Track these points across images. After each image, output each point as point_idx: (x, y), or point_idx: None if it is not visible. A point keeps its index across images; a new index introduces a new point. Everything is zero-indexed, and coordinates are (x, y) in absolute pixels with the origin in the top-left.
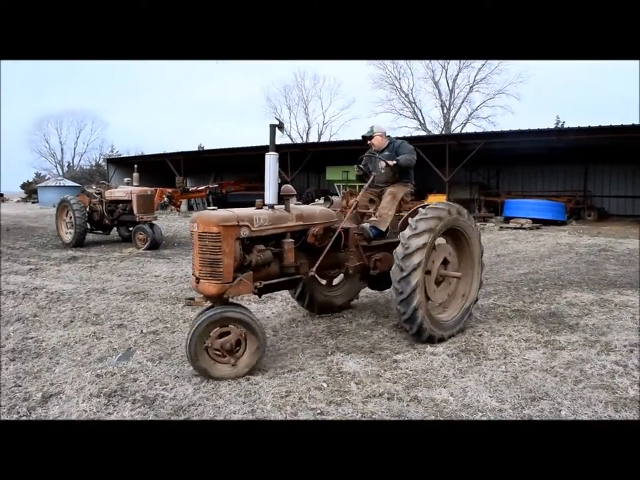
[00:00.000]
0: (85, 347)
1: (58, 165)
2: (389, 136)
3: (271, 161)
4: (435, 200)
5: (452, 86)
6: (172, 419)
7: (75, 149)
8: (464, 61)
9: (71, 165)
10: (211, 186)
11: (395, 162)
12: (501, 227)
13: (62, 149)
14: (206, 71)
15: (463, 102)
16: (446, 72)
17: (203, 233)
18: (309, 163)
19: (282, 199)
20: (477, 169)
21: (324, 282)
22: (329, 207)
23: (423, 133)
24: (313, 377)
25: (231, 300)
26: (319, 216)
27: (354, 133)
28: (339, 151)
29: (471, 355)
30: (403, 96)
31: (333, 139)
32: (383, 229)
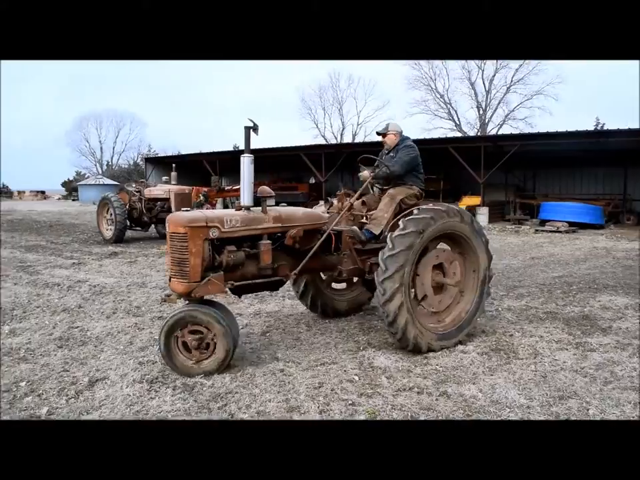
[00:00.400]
0: (127, 336)
1: (97, 164)
2: (404, 135)
3: (246, 163)
4: (470, 202)
5: (488, 87)
6: (210, 406)
7: (113, 148)
8: (501, 61)
9: (110, 163)
10: None
11: (383, 170)
12: (536, 230)
13: (101, 148)
14: (242, 71)
15: (499, 103)
16: (482, 72)
17: (172, 233)
18: (343, 164)
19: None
20: (512, 171)
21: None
22: (328, 209)
23: (458, 134)
24: (345, 370)
25: (210, 298)
26: (301, 218)
27: None
28: (373, 152)
29: (501, 354)
30: (439, 97)
31: (367, 140)
32: (377, 232)
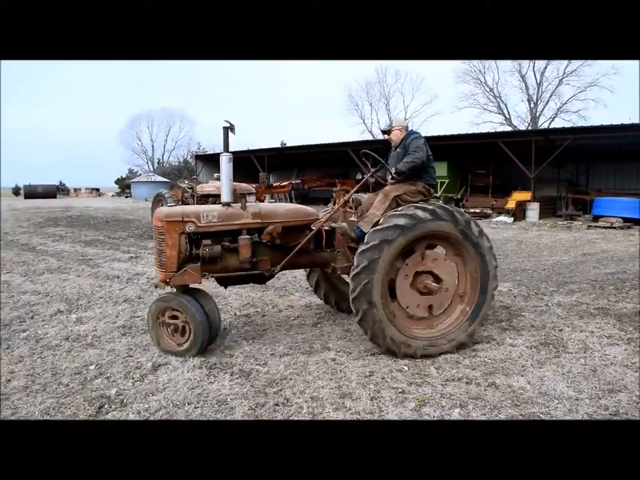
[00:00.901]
0: None
1: (149, 162)
2: (410, 130)
3: (224, 162)
4: (520, 197)
5: (540, 79)
6: (266, 390)
7: (164, 146)
8: None
9: (161, 161)
10: (293, 181)
11: (395, 170)
12: (589, 226)
13: (153, 146)
14: (290, 67)
15: (551, 95)
16: (533, 65)
17: (155, 226)
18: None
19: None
20: (565, 166)
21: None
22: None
23: (508, 128)
24: (394, 360)
25: (195, 286)
26: (282, 214)
27: (436, 129)
28: None
29: (550, 347)
30: (488, 90)
31: None
32: (366, 230)
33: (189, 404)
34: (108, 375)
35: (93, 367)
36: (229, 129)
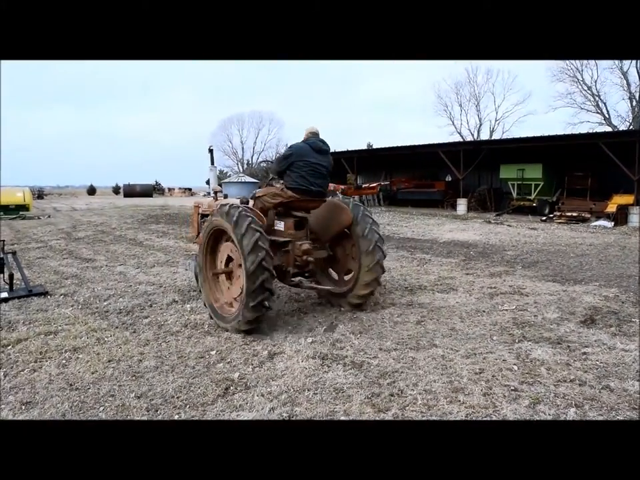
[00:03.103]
0: (293, 318)
1: (239, 163)
2: (296, 143)
3: (212, 174)
4: (621, 201)
5: None
6: (379, 381)
7: (253, 147)
8: None
9: (250, 162)
10: (382, 183)
11: (263, 165)
12: None
13: (242, 148)
14: (374, 68)
15: None
16: (637, 62)
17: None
18: (482, 161)
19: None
20: None
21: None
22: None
23: (608, 129)
24: (503, 360)
25: None
26: (210, 206)
27: (529, 130)
28: (513, 149)
29: None
30: (586, 89)
31: (505, 136)
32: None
33: (308, 390)
34: (229, 360)
35: (214, 352)
36: (212, 150)
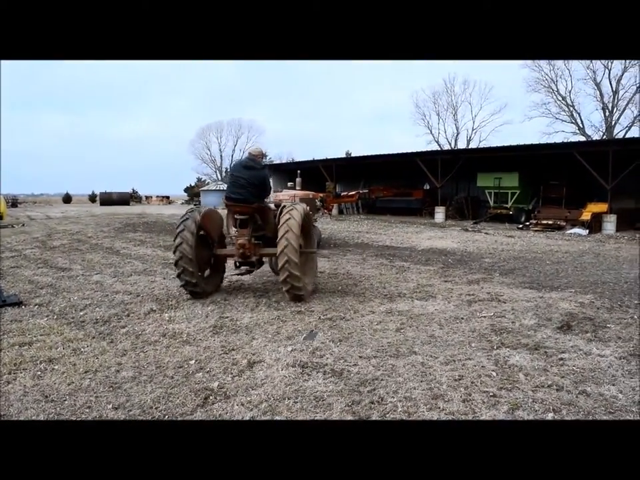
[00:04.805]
0: (273, 327)
1: (217, 171)
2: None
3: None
4: (595, 209)
5: (615, 87)
6: (359, 389)
7: (232, 155)
8: (630, 60)
9: (228, 170)
10: (361, 191)
11: None
12: None
13: (221, 156)
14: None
15: (628, 103)
16: (609, 72)
17: None
18: (460, 169)
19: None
20: None
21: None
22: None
23: (582, 138)
24: (482, 366)
25: None
26: None
27: (505, 139)
28: (490, 158)
29: None
30: (560, 99)
31: (482, 145)
32: None
33: (288, 398)
34: (208, 369)
35: (193, 361)
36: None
